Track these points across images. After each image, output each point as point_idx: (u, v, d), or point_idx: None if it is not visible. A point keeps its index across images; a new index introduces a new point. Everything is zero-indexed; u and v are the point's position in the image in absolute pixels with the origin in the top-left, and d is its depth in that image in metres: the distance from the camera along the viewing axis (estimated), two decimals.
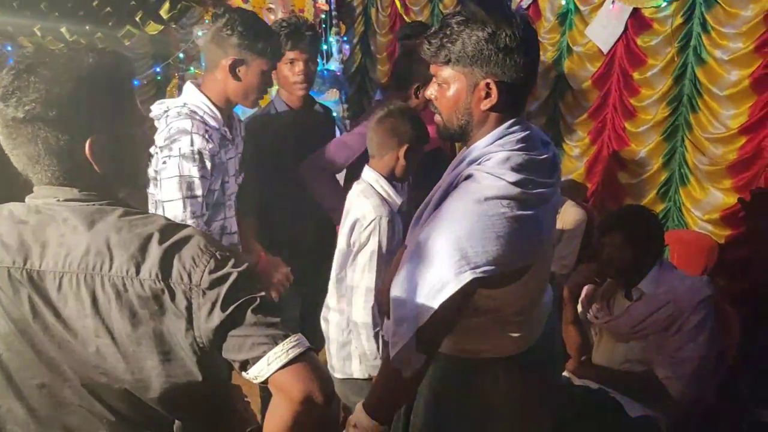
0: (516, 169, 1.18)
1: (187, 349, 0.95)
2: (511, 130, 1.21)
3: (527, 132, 1.23)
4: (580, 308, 2.23)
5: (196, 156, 1.70)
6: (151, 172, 1.68)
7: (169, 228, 0.97)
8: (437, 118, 1.28)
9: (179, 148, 1.69)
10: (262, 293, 0.98)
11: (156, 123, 1.75)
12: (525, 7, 3.68)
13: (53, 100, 0.91)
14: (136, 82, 4.44)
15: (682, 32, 2.96)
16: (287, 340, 0.95)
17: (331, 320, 1.92)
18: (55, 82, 0.91)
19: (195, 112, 1.76)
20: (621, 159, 3.32)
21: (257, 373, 0.94)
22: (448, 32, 1.17)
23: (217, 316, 0.93)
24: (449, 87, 1.21)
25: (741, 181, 2.83)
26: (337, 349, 1.90)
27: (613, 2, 3.16)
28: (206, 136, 1.73)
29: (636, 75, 3.18)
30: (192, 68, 4.48)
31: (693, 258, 2.79)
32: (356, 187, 1.87)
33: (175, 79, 4.57)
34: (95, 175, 0.98)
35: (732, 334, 2.01)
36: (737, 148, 2.82)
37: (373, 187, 1.81)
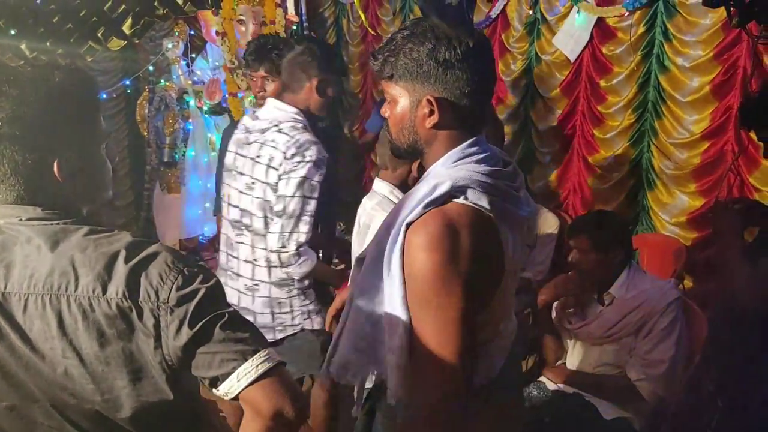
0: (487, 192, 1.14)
1: (157, 367, 0.94)
2: (468, 151, 1.16)
3: (487, 153, 1.19)
4: (554, 314, 2.26)
5: (322, 164, 1.94)
6: (273, 177, 1.92)
7: (135, 245, 0.96)
8: (389, 135, 1.26)
9: (310, 156, 1.92)
10: (231, 309, 0.97)
11: (248, 134, 2.00)
12: (493, 17, 3.74)
13: (19, 119, 0.90)
14: (104, 96, 4.39)
15: (644, 41, 3.04)
16: (257, 355, 0.94)
17: None
18: (22, 100, 0.91)
19: (306, 126, 2.01)
20: (590, 165, 3.38)
21: (227, 389, 0.94)
22: (391, 47, 1.15)
23: (186, 333, 0.92)
24: (396, 104, 1.18)
25: (705, 184, 2.90)
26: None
27: (578, 12, 3.23)
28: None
29: (602, 83, 3.25)
30: (162, 81, 4.44)
31: (662, 261, 2.85)
32: (369, 202, 1.92)
33: (145, 92, 4.52)
34: (59, 193, 0.97)
35: (699, 334, 2.06)
36: (701, 152, 2.89)
37: (389, 200, 1.86)
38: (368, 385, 1.32)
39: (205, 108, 4.27)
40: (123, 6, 1.72)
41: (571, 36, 3.31)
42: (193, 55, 4.33)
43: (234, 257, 2.07)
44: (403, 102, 1.17)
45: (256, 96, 2.47)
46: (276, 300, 2.06)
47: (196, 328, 0.92)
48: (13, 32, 1.50)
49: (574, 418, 2.06)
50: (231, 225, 2.08)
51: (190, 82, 4.30)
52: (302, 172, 1.90)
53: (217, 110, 4.22)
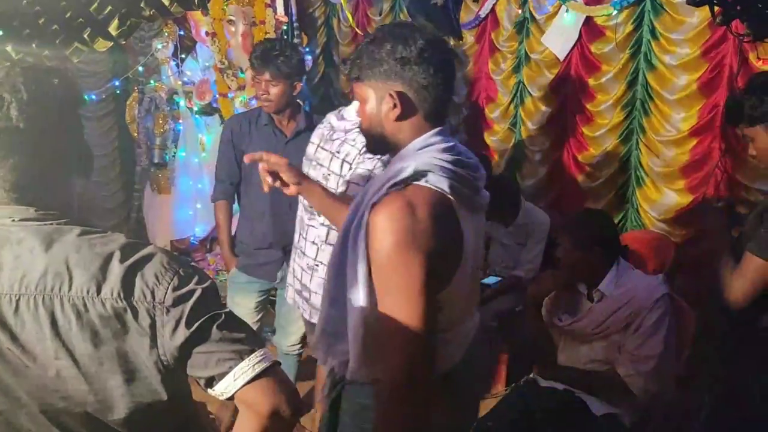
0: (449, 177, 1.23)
1: (152, 367, 0.94)
2: (431, 140, 1.27)
3: (450, 143, 1.29)
4: (544, 311, 2.28)
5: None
6: (345, 170, 2.01)
7: (130, 246, 0.97)
8: (362, 134, 1.37)
9: (380, 156, 1.96)
10: (226, 309, 0.98)
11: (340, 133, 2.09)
12: (482, 16, 3.75)
13: (15, 119, 0.91)
14: (93, 97, 4.36)
15: (632, 39, 3.06)
16: (253, 355, 0.95)
17: None
18: (19, 101, 0.92)
19: None
20: (580, 163, 3.41)
21: (224, 389, 0.94)
22: (357, 52, 1.29)
23: (182, 333, 0.93)
24: (365, 103, 1.30)
25: (693, 181, 2.93)
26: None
27: (567, 11, 3.26)
28: None
29: (591, 81, 3.27)
30: (152, 81, 4.41)
31: (651, 257, 2.88)
32: None
33: (135, 93, 4.50)
34: (53, 194, 0.97)
35: (688, 330, 2.09)
36: (689, 149, 2.93)
37: None
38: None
39: (195, 108, 4.25)
40: (109, 7, 1.71)
41: (560, 35, 3.34)
42: (183, 56, 4.30)
43: (303, 237, 2.18)
44: (370, 100, 1.29)
45: (259, 98, 2.51)
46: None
47: (193, 327, 0.93)
48: None
49: (565, 415, 2.08)
50: (305, 209, 2.19)
51: (180, 82, 4.28)
52: (369, 165, 1.98)
53: (208, 110, 4.20)
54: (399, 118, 1.26)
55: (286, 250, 2.46)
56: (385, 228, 1.16)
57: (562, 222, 2.23)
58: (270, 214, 2.53)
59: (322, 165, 2.12)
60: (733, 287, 1.65)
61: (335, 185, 2.05)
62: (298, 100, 2.61)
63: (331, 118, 2.16)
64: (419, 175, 1.21)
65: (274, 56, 2.42)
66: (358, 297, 1.21)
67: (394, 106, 1.25)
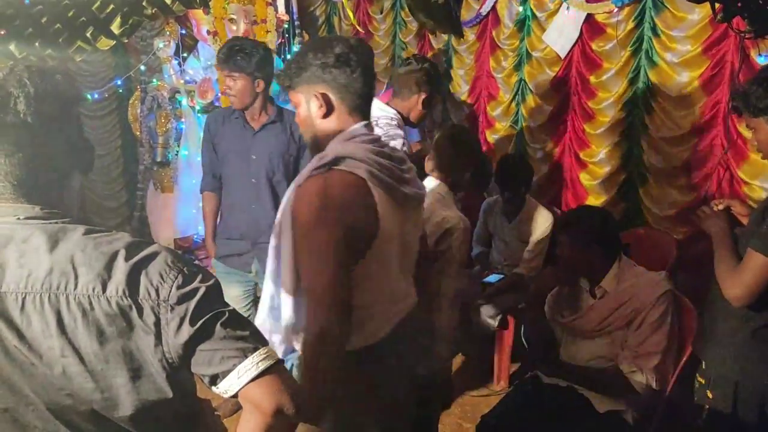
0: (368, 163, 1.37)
1: (157, 365, 0.95)
2: (354, 133, 1.42)
3: (373, 136, 1.46)
4: (547, 308, 2.29)
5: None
6: None
7: (135, 245, 0.97)
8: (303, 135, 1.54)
9: (395, 144, 2.12)
10: (230, 307, 0.98)
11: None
12: (484, 14, 3.76)
13: (23, 114, 0.92)
14: (96, 96, 4.37)
15: (633, 36, 3.06)
16: (257, 352, 0.95)
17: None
18: (26, 95, 0.92)
19: (399, 125, 2.34)
20: (582, 160, 3.41)
21: (227, 386, 0.95)
22: (287, 64, 1.47)
23: (186, 331, 0.93)
24: (299, 107, 1.46)
25: (695, 178, 2.94)
26: None
27: (568, 8, 3.26)
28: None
29: (592, 78, 3.27)
30: (154, 80, 4.42)
31: (653, 254, 2.88)
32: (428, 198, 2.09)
33: (137, 91, 4.50)
34: (56, 191, 0.98)
35: (690, 327, 2.09)
36: (690, 147, 2.93)
37: (446, 198, 2.04)
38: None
39: (197, 107, 4.26)
40: (111, 6, 1.72)
41: (561, 33, 3.34)
42: (185, 55, 4.31)
43: None
44: (302, 103, 1.45)
45: (222, 92, 2.63)
46: None
47: (198, 325, 0.93)
48: (2, 33, 1.50)
49: (568, 411, 2.08)
50: None
51: (182, 81, 4.29)
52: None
53: (210, 109, 4.21)
54: (325, 116, 1.43)
55: (256, 243, 2.56)
56: (303, 205, 1.33)
57: (564, 218, 2.23)
58: (241, 206, 2.62)
59: None
60: (735, 285, 1.64)
61: None
62: (270, 96, 2.69)
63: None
64: (338, 160, 1.36)
65: (235, 52, 2.52)
66: (286, 270, 1.36)
67: (320, 105, 1.41)
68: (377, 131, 2.16)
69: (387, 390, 1.48)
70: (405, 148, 2.26)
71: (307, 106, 1.44)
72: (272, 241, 1.44)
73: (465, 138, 2.16)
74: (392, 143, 2.06)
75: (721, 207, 1.90)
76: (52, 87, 0.97)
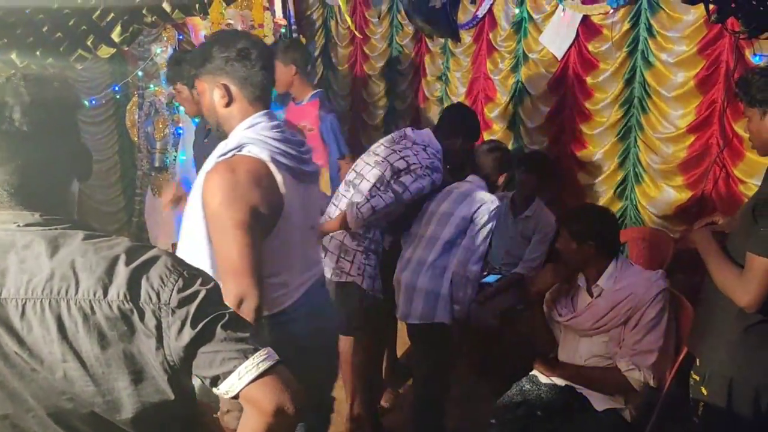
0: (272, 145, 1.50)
1: (158, 368, 0.96)
2: (256, 120, 1.55)
3: (275, 122, 1.58)
4: (545, 307, 2.30)
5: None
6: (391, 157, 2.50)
7: (135, 249, 0.98)
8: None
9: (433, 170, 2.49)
10: (230, 310, 0.99)
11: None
12: (480, 16, 3.77)
13: (18, 122, 0.93)
14: (93, 102, 4.38)
15: (629, 37, 3.08)
16: (257, 353, 0.96)
17: (425, 273, 2.38)
18: (22, 104, 0.94)
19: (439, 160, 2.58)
20: (579, 160, 3.42)
21: (228, 387, 0.96)
22: (192, 54, 1.63)
23: (187, 334, 0.94)
24: (203, 95, 1.60)
25: (692, 177, 2.95)
26: (425, 294, 2.37)
27: (563, 10, 3.27)
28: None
29: (589, 79, 3.28)
30: (152, 86, 4.43)
31: (650, 253, 2.90)
32: (465, 185, 2.52)
33: (134, 97, 4.51)
34: (54, 197, 0.99)
35: (687, 325, 2.10)
36: (687, 146, 2.94)
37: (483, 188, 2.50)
38: None
39: None
40: (112, 14, 1.75)
41: (557, 34, 3.35)
42: None
43: (335, 205, 2.59)
44: (205, 92, 1.58)
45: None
46: (345, 247, 2.50)
47: (198, 328, 0.94)
48: (4, 41, 1.52)
49: (567, 411, 2.09)
50: (344, 183, 2.62)
51: None
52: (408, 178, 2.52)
53: None
54: (227, 105, 1.56)
55: None
56: (213, 187, 1.45)
57: (566, 214, 2.29)
58: None
59: (377, 154, 2.57)
60: (745, 292, 1.61)
61: (379, 170, 2.50)
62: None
63: (408, 130, 2.66)
64: (242, 146, 1.50)
65: (180, 63, 2.75)
66: (203, 249, 1.49)
67: (222, 95, 1.55)
68: (411, 150, 2.52)
69: (298, 353, 1.55)
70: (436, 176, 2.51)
71: (210, 94, 1.57)
72: (185, 225, 1.58)
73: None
74: (429, 170, 2.45)
75: (702, 224, 1.92)
76: (49, 96, 0.98)
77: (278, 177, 1.50)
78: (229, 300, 1.33)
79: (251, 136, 1.52)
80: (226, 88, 1.55)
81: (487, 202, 2.40)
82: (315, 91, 3.21)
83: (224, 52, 1.53)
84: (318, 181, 1.79)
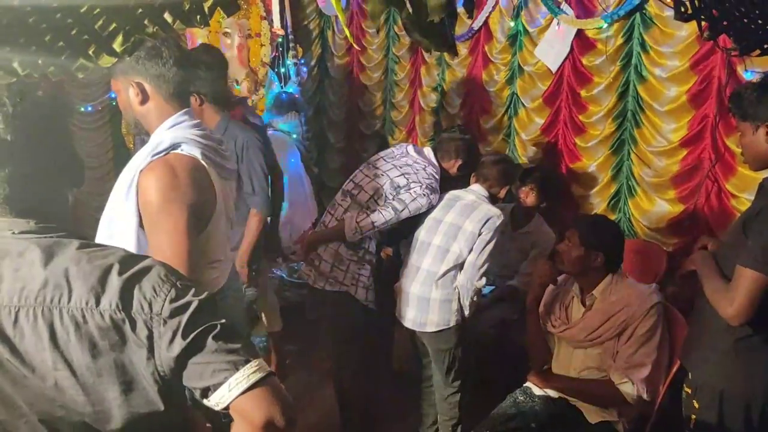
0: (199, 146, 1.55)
1: (149, 378, 0.95)
2: (180, 119, 1.59)
3: (196, 122, 1.63)
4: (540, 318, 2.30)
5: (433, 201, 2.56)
6: (388, 188, 2.52)
7: (129, 259, 0.98)
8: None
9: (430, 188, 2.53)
10: (223, 320, 0.99)
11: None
12: (476, 29, 3.80)
13: (2, 132, 0.93)
14: (89, 108, 4.38)
15: (623, 52, 3.11)
16: (248, 365, 0.96)
17: (438, 284, 2.46)
18: (4, 114, 0.94)
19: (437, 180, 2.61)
20: (573, 173, 3.44)
21: (219, 399, 0.95)
22: None
23: (178, 344, 0.94)
24: (120, 93, 1.64)
25: (684, 191, 2.97)
26: (440, 305, 2.46)
27: (558, 24, 3.30)
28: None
29: (583, 93, 3.31)
30: None
31: (643, 266, 2.91)
32: (470, 196, 2.56)
33: None
34: (47, 206, 0.99)
35: (680, 338, 2.11)
36: (679, 160, 2.96)
37: (486, 200, 2.54)
38: None
39: None
40: (114, 24, 1.78)
41: (552, 47, 3.38)
42: None
43: (331, 214, 2.63)
44: (121, 91, 1.63)
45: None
46: (339, 256, 2.52)
47: (189, 338, 0.94)
48: (3, 50, 1.52)
49: (560, 423, 2.09)
50: (342, 193, 2.66)
51: None
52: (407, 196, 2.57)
53: None
54: (142, 103, 1.59)
55: None
56: (153, 186, 1.47)
57: (576, 219, 2.30)
58: None
59: (377, 167, 2.62)
60: (729, 304, 1.62)
61: (378, 184, 2.56)
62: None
63: (409, 147, 2.72)
64: (175, 145, 1.52)
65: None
66: (131, 245, 1.51)
67: (137, 93, 1.58)
68: (413, 168, 2.57)
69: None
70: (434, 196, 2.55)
71: (126, 93, 1.60)
72: (119, 226, 1.59)
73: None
74: (421, 201, 2.48)
75: (698, 245, 1.93)
76: (33, 104, 0.99)
77: (211, 174, 1.56)
78: None
79: (180, 134, 1.55)
80: (140, 86, 1.58)
81: (493, 217, 2.46)
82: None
83: (137, 50, 1.52)
84: (235, 177, 1.88)
